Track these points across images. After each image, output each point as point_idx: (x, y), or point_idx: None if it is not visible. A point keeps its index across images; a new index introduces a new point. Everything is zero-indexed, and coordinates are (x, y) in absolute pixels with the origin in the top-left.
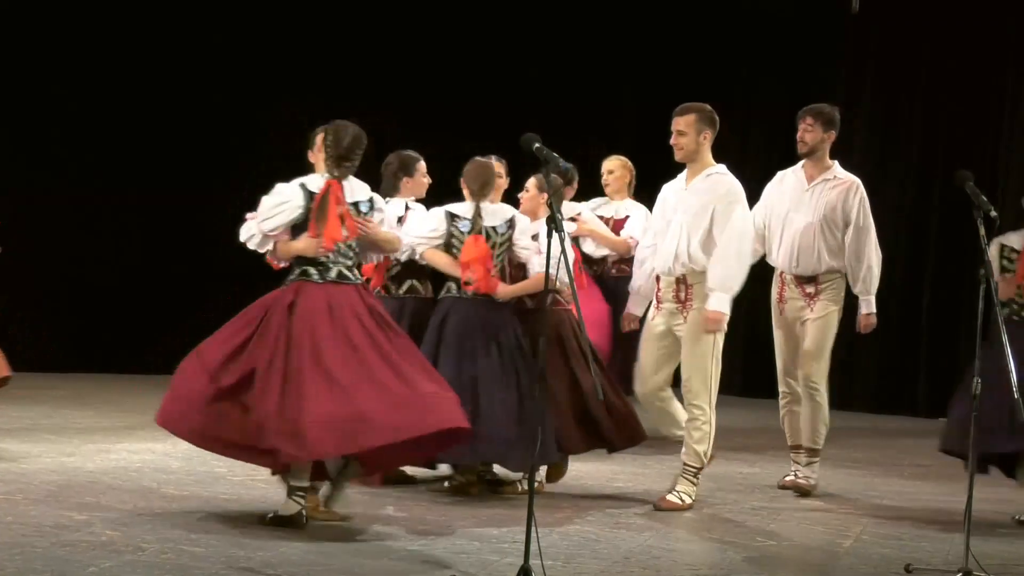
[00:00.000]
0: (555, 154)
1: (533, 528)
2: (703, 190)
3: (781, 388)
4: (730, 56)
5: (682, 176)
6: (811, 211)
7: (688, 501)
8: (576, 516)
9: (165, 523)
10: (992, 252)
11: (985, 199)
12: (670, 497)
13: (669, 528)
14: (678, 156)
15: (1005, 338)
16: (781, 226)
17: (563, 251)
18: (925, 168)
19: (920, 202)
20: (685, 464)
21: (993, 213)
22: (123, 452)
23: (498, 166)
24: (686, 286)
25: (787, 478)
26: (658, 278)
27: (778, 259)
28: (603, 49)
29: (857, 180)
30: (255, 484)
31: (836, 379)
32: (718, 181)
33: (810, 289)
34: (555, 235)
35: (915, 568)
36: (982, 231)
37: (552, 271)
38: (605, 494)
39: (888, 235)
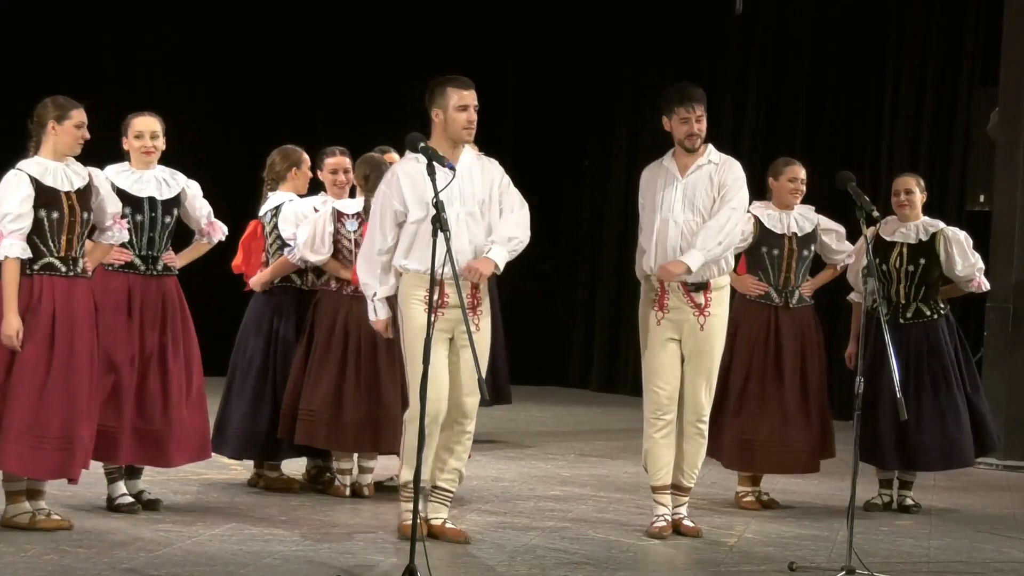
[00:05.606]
0: (441, 154)
1: (419, 528)
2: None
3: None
4: (616, 54)
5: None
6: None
7: None
8: (461, 516)
9: None
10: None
11: (867, 199)
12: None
13: (554, 527)
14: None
15: (888, 337)
16: None
17: (448, 249)
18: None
19: (805, 200)
20: None
21: (876, 214)
22: None
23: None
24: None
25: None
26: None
27: None
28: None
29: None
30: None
31: None
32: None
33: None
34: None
35: (799, 566)
36: (865, 231)
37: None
38: (490, 493)
39: None
